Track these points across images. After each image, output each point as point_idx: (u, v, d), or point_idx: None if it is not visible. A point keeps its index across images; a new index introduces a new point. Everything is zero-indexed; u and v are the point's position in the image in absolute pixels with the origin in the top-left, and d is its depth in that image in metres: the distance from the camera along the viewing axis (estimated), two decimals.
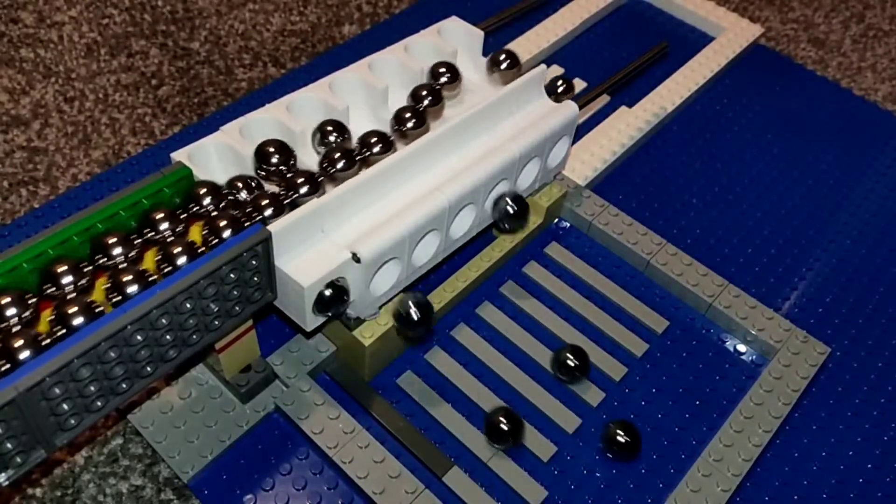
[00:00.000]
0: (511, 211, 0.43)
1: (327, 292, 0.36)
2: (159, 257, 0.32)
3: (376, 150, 0.39)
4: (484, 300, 0.46)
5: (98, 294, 0.31)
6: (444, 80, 0.43)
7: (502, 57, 0.45)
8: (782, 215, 0.53)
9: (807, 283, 0.49)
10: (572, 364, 0.42)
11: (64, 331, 0.29)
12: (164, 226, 0.34)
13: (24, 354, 0.28)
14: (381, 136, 0.40)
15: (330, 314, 0.37)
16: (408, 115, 0.41)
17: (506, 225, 0.44)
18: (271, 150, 0.37)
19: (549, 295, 0.46)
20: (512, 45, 0.60)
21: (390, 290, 0.40)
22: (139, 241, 0.33)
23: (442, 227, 0.40)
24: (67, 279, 0.31)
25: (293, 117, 0.40)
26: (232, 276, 0.33)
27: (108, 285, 0.31)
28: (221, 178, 0.38)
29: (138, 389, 0.32)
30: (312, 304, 0.36)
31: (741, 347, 0.45)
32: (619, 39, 0.65)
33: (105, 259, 0.32)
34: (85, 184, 0.49)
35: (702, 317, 0.46)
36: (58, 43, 0.61)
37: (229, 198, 0.36)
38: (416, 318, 0.38)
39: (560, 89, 0.46)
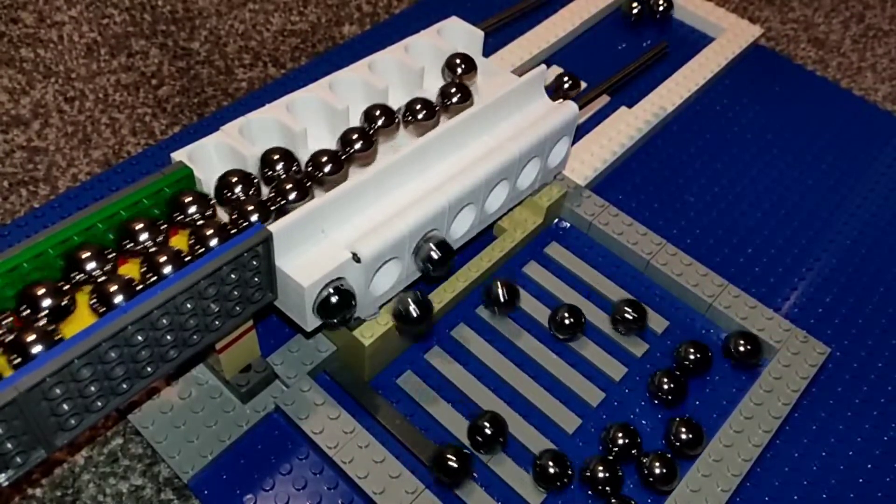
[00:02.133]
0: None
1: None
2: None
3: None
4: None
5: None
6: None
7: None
8: (782, 215, 0.53)
9: (807, 283, 0.50)
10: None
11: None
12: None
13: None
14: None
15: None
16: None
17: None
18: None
19: (550, 295, 0.46)
20: (512, 45, 0.60)
21: (390, 289, 0.40)
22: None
23: (442, 227, 0.40)
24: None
25: (293, 117, 0.40)
26: (232, 276, 0.33)
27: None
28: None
29: (139, 389, 0.32)
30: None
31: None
32: (619, 39, 0.65)
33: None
34: (85, 184, 0.49)
35: (702, 317, 0.46)
36: (58, 43, 0.61)
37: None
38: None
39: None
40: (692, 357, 0.43)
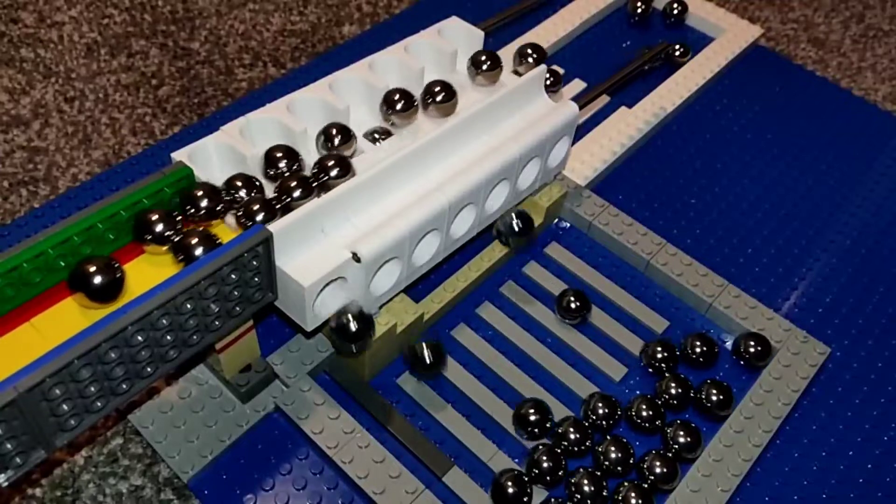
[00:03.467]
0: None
1: (353, 326, 0.36)
2: None
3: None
4: (484, 300, 0.46)
5: None
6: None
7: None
8: (782, 215, 0.53)
9: (807, 283, 0.50)
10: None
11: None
12: None
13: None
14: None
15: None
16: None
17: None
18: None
19: (549, 295, 0.46)
20: (512, 45, 0.60)
21: (391, 289, 0.40)
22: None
23: (442, 227, 0.40)
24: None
25: (293, 117, 0.40)
26: (233, 276, 0.33)
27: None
28: (222, 179, 0.39)
29: (139, 390, 0.32)
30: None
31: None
32: (619, 39, 0.65)
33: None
34: (85, 184, 0.49)
35: (702, 317, 0.46)
36: (58, 43, 0.61)
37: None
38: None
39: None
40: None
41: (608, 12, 0.67)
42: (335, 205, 0.37)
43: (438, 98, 0.42)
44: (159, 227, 0.33)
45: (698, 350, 0.43)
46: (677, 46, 0.62)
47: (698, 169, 0.56)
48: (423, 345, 0.40)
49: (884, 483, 0.41)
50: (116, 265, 0.31)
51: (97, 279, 0.31)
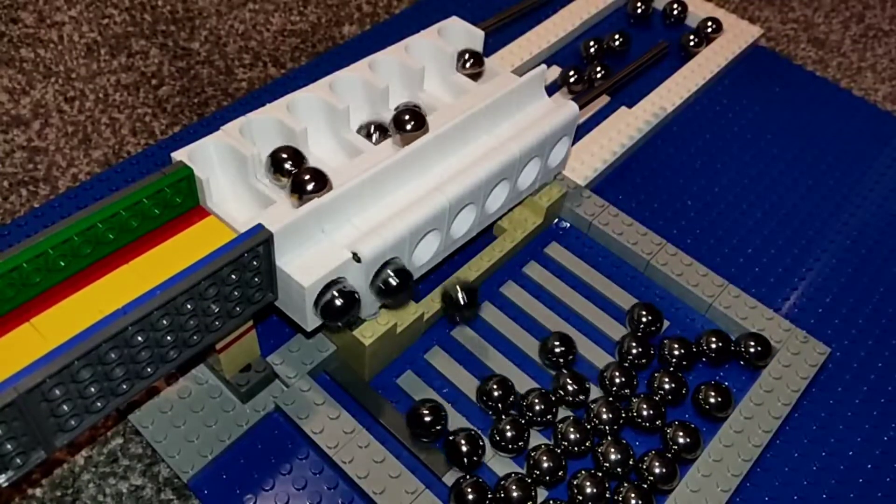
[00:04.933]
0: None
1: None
2: None
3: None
4: (484, 300, 0.46)
5: None
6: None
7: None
8: (782, 215, 0.53)
9: (807, 283, 0.50)
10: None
11: None
12: None
13: None
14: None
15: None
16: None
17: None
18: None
19: (550, 295, 0.46)
20: (512, 46, 0.60)
21: None
22: None
23: (442, 227, 0.40)
24: None
25: (293, 117, 0.40)
26: (233, 276, 0.33)
27: None
28: (222, 179, 0.39)
29: (139, 390, 0.32)
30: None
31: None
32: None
33: None
34: (85, 184, 0.49)
35: (702, 317, 0.46)
36: (58, 43, 0.61)
37: None
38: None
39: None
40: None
41: (608, 12, 0.67)
42: (335, 205, 0.37)
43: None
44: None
45: (713, 346, 0.43)
46: (709, 23, 0.64)
47: (698, 169, 0.56)
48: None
49: (884, 483, 0.41)
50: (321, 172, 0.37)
51: (310, 186, 0.36)
